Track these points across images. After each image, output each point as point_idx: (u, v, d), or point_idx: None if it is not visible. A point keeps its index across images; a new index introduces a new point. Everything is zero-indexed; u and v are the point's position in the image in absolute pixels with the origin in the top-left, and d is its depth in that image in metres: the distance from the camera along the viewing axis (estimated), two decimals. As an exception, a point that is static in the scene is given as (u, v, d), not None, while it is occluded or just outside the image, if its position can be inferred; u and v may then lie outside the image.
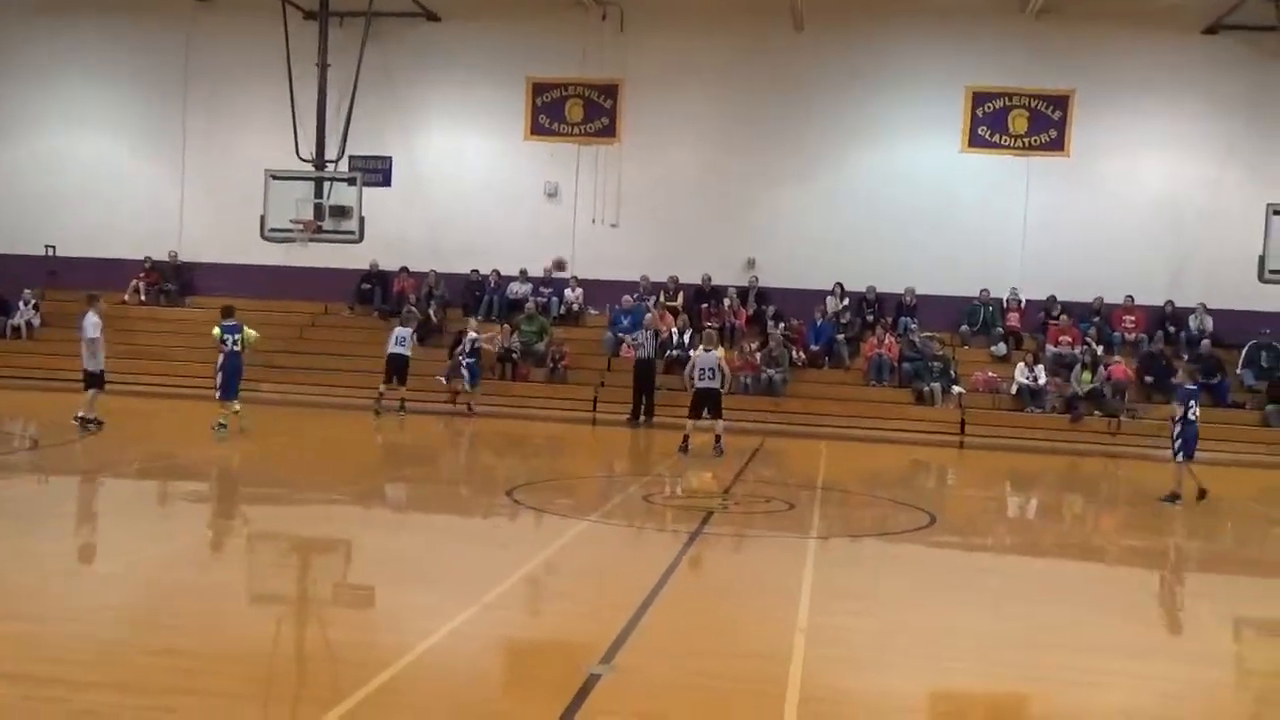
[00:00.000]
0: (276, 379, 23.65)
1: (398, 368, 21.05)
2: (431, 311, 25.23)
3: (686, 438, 17.29)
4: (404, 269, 26.32)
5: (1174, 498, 14.31)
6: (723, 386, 17.38)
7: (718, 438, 17.22)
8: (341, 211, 23.26)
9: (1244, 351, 23.32)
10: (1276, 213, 21.23)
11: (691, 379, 17.50)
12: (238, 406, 17.04)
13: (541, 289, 25.94)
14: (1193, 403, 14.54)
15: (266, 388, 23.25)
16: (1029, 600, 9.62)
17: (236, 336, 17.13)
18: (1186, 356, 23.25)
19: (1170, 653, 8.23)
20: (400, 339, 21.20)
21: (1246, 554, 13.09)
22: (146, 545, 10.13)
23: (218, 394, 17.16)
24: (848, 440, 20.93)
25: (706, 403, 17.21)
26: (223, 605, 8.18)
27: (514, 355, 24.00)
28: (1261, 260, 21.25)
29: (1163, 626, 9.05)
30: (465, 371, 22.00)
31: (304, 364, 24.32)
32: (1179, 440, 14.44)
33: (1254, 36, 23.49)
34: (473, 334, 22.36)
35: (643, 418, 21.91)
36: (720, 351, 17.81)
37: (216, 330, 17.30)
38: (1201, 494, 14.35)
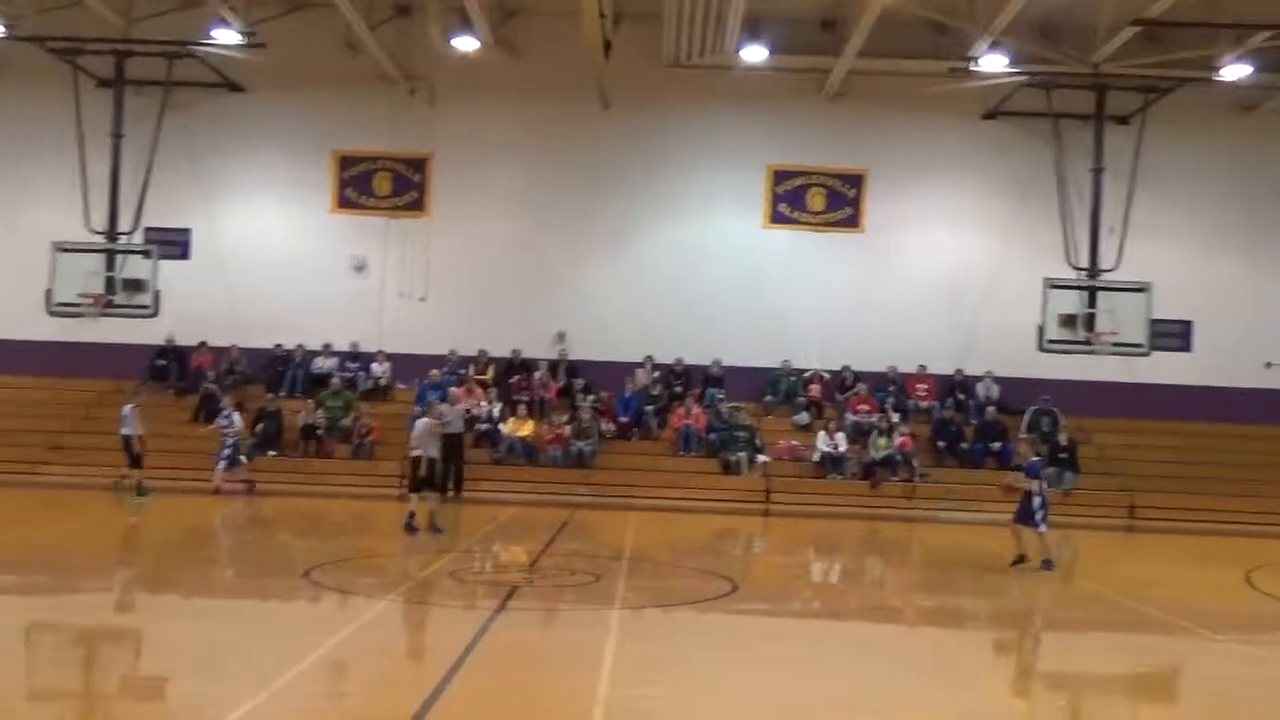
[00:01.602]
0: (63, 460, 22.48)
1: (124, 448, 19.99)
2: (215, 386, 24.24)
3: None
4: (202, 344, 25.46)
5: (1048, 564, 14.82)
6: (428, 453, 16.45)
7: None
8: (136, 285, 22.51)
9: (1026, 417, 24.57)
10: (1053, 286, 22.62)
11: None
12: None
13: (348, 364, 25.46)
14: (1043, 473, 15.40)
15: (53, 470, 22.11)
16: (829, 663, 9.85)
17: None
18: (976, 423, 24.45)
19: (967, 710, 8.52)
20: (122, 418, 20.17)
21: (1035, 611, 13.69)
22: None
23: None
24: (657, 511, 21.07)
25: None
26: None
27: (318, 431, 23.43)
28: (1040, 330, 22.56)
29: (961, 684, 9.37)
30: (226, 452, 21.09)
31: (92, 444, 23.07)
32: (1042, 510, 14.97)
33: (1028, 122, 25.08)
34: (226, 409, 21.57)
35: (451, 493, 21.64)
36: (425, 420, 16.82)
37: None
38: (1020, 559, 14.94)
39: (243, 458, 21.51)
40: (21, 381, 24.15)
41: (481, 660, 9.17)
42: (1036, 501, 15.01)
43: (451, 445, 21.71)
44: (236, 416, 21.61)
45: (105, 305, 22.22)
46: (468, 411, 22.93)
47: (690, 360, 25.55)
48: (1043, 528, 14.98)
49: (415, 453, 16.43)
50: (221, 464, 21.08)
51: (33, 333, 24.27)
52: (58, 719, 7.60)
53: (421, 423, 16.77)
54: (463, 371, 24.99)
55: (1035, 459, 15.71)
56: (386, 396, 25.13)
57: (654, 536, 18.19)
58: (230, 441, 21.23)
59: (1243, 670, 10.30)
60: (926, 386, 25.53)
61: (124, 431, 20.00)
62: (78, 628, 10.40)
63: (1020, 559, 14.96)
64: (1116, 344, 22.37)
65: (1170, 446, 24.57)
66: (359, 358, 25.63)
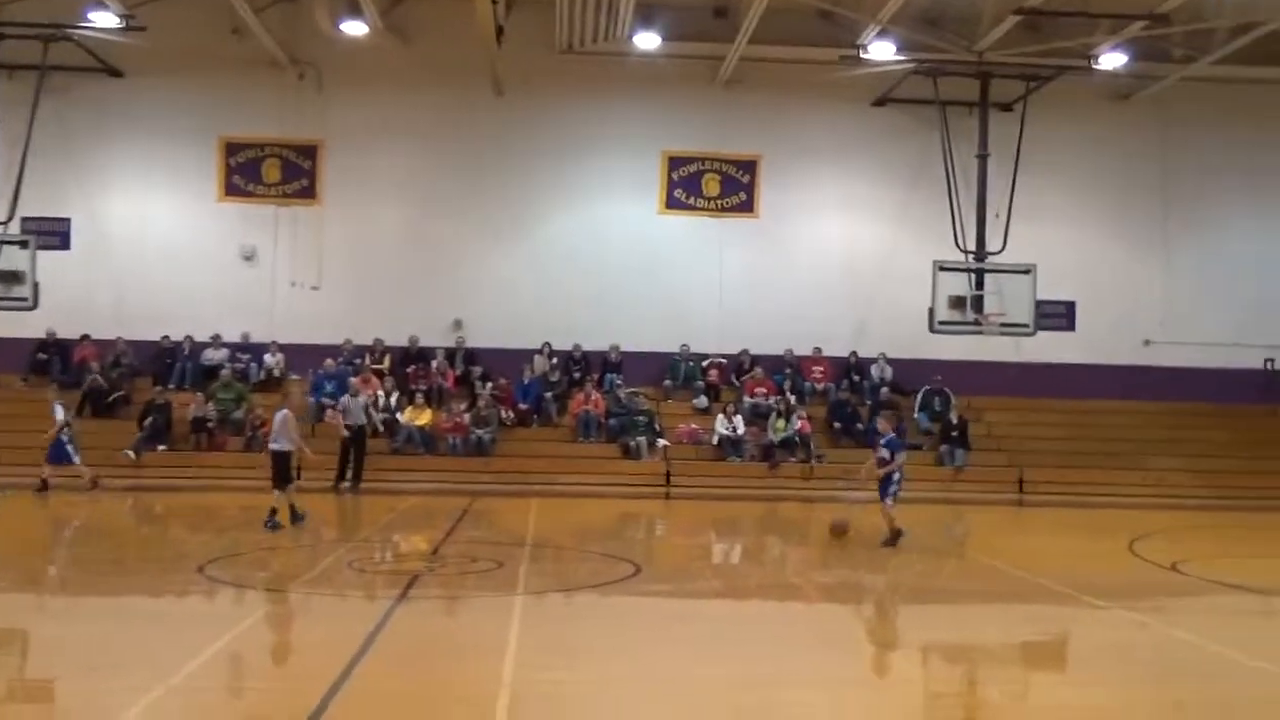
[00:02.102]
0: (-62, 460, 21.63)
1: None
2: (96, 379, 23.48)
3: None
4: (85, 336, 24.70)
5: (898, 534, 14.97)
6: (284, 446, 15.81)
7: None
8: (13, 276, 21.75)
9: (919, 397, 25.10)
10: (942, 269, 23.06)
11: None
12: None
13: (239, 355, 24.93)
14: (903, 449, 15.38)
15: (-74, 470, 21.27)
16: (733, 642, 9.94)
17: None
18: (871, 403, 24.88)
19: (867, 681, 8.69)
20: None
21: (930, 584, 13.98)
22: None
23: None
24: (558, 497, 21.06)
25: None
26: None
27: (209, 424, 22.90)
28: (931, 312, 22.99)
29: (860, 656, 9.55)
30: (70, 448, 20.23)
31: (-30, 442, 22.31)
32: (895, 486, 14.99)
33: (916, 109, 25.56)
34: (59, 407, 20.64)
35: (348, 483, 21.37)
36: (284, 412, 16.06)
37: None
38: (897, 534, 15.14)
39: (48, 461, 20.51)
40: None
41: (384, 649, 9.06)
42: (896, 475, 15.03)
43: (353, 436, 21.51)
44: (60, 409, 20.74)
45: (-19, 299, 21.44)
46: (367, 406, 22.55)
47: (588, 346, 25.56)
48: (888, 501, 15.03)
49: (274, 446, 15.80)
50: (76, 459, 20.26)
51: (-97, 328, 23.32)
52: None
53: (280, 415, 16.01)
54: (358, 361, 24.67)
55: (894, 435, 15.53)
56: (279, 388, 24.62)
57: (556, 522, 18.17)
58: (67, 435, 20.40)
59: (1128, 635, 10.67)
60: (822, 369, 25.91)
61: None
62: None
63: (897, 534, 15.13)
64: (1004, 325, 22.92)
65: (1056, 423, 25.32)
66: (250, 349, 25.12)
